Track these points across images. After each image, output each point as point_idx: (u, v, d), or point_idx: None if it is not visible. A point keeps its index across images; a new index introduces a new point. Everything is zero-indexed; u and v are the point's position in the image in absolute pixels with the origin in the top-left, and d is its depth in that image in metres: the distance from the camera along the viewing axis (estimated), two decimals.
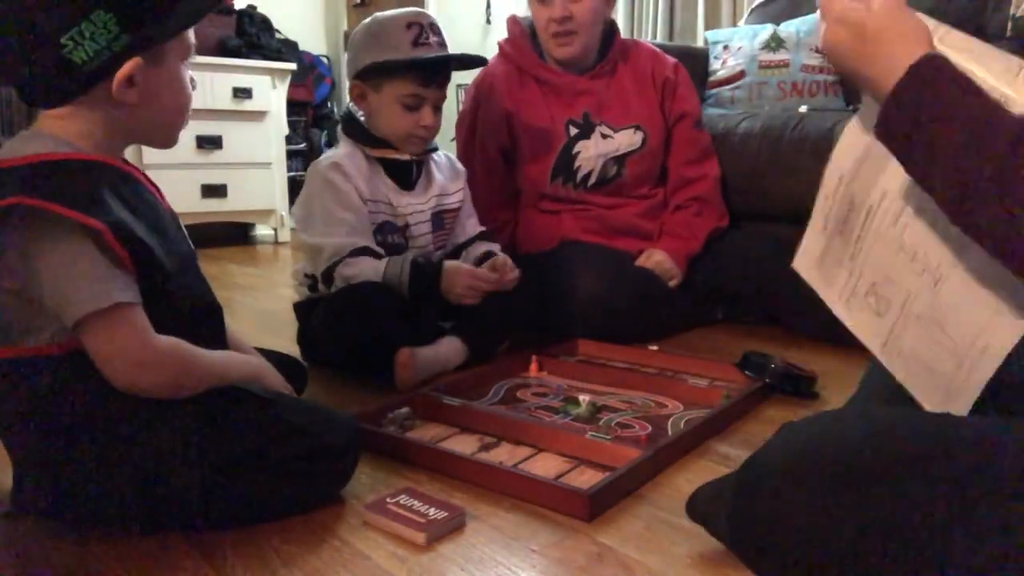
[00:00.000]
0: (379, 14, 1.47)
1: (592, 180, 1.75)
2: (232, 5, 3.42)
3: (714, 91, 2.51)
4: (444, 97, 1.48)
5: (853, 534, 0.61)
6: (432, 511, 0.86)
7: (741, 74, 2.47)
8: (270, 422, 0.85)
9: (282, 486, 0.86)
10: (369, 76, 1.43)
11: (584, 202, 1.77)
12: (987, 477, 0.59)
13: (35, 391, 0.80)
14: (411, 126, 1.45)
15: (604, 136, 1.75)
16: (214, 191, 3.18)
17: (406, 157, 1.49)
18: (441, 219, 1.56)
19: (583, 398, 1.23)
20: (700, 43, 3.05)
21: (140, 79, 0.80)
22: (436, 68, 1.44)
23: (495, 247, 1.60)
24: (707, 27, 3.28)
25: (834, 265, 0.86)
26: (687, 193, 1.81)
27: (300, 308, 1.52)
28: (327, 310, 1.39)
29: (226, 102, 3.16)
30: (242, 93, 3.18)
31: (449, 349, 1.41)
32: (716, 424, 1.13)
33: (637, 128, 1.77)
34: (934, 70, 0.65)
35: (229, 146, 3.18)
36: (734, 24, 3.13)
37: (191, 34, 0.88)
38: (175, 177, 3.05)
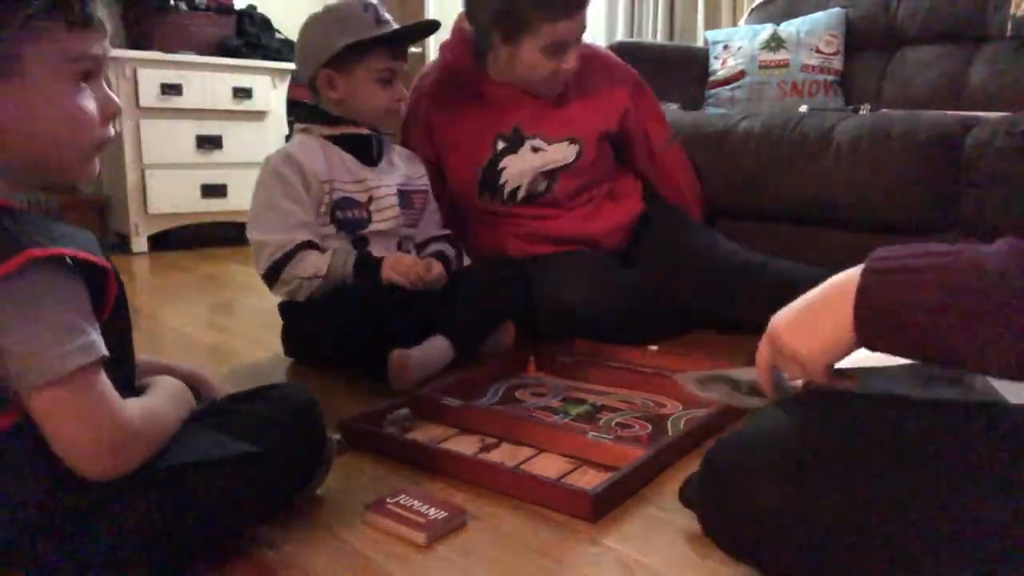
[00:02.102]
0: (329, 3, 1.53)
1: (521, 195, 1.69)
2: (232, 5, 3.42)
3: (714, 91, 2.51)
4: (407, 70, 1.55)
5: (813, 517, 0.62)
6: (432, 511, 0.86)
7: (741, 74, 2.47)
8: (231, 474, 0.74)
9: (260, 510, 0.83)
10: (341, 60, 1.46)
11: (517, 215, 1.72)
12: (948, 461, 0.60)
13: None
14: (388, 101, 1.50)
15: (535, 150, 1.68)
16: (214, 191, 3.17)
17: (365, 131, 1.53)
18: (409, 198, 1.58)
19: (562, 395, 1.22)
20: (700, 43, 3.05)
21: None
22: (403, 40, 1.51)
23: (448, 249, 1.62)
24: (707, 27, 3.28)
25: None
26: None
27: (285, 308, 1.53)
28: (322, 311, 1.40)
29: (226, 102, 3.16)
30: (242, 93, 3.18)
31: (438, 348, 1.40)
32: (717, 424, 1.13)
33: (572, 140, 1.69)
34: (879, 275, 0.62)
35: (229, 146, 3.18)
36: (734, 24, 3.13)
37: (81, 40, 0.66)
38: (175, 177, 3.06)
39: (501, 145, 1.67)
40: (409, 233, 1.59)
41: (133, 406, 0.67)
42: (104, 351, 0.64)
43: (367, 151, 1.54)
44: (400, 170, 1.60)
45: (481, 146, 1.68)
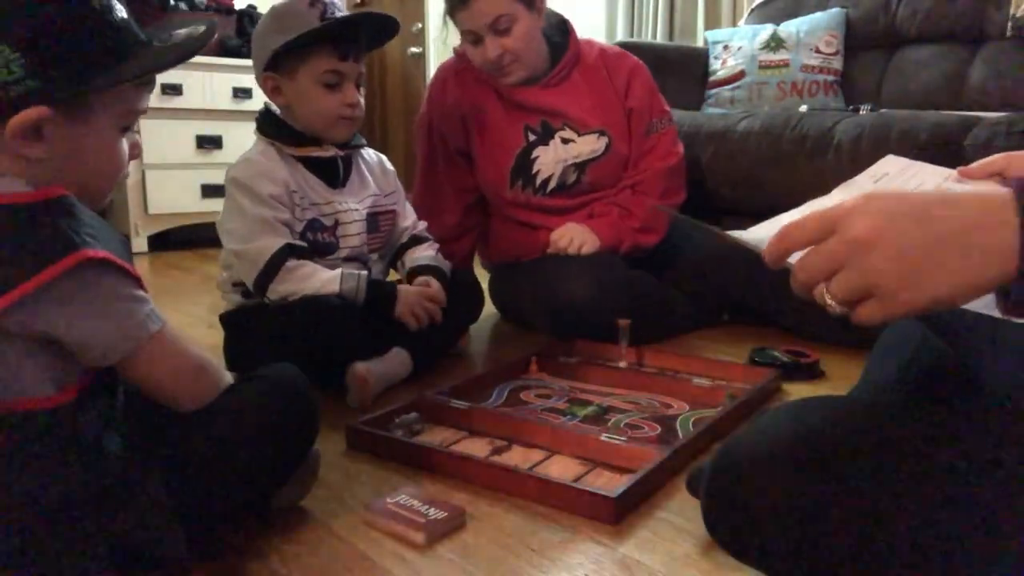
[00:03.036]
0: (278, 2, 1.36)
1: (552, 185, 1.71)
2: (232, 5, 3.42)
3: (714, 91, 2.51)
4: (363, 73, 1.38)
5: (820, 517, 0.62)
6: (432, 511, 0.86)
7: (741, 74, 2.47)
8: (237, 447, 0.79)
9: (272, 478, 0.85)
10: (281, 63, 1.32)
11: (545, 207, 1.73)
12: (945, 460, 0.60)
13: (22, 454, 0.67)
14: (336, 106, 1.34)
15: (565, 141, 1.70)
16: (214, 191, 3.17)
17: (330, 153, 1.39)
18: (376, 221, 1.46)
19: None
20: (700, 43, 3.05)
21: (51, 134, 0.69)
22: (349, 35, 1.33)
23: (430, 258, 1.52)
24: (707, 27, 3.28)
25: None
26: (627, 181, 1.77)
27: (229, 318, 1.39)
28: (274, 321, 1.28)
29: (226, 102, 3.17)
30: (242, 93, 3.19)
31: (397, 361, 1.36)
32: (728, 423, 1.13)
33: (601, 133, 1.72)
34: None
35: (229, 146, 3.18)
36: (734, 24, 3.13)
37: (139, 97, 0.77)
38: (175, 177, 3.06)
39: (532, 136, 1.69)
40: (374, 258, 1.48)
41: (193, 346, 0.78)
42: (164, 317, 0.74)
43: (332, 175, 1.40)
44: (369, 188, 1.46)
45: (512, 135, 1.69)
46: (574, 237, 1.66)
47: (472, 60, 1.67)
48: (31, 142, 0.68)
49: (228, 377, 0.83)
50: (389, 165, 1.55)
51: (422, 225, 1.58)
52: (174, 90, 3.01)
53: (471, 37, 1.62)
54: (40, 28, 0.67)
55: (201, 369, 0.78)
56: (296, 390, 0.87)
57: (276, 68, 1.33)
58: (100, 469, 0.70)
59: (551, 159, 1.69)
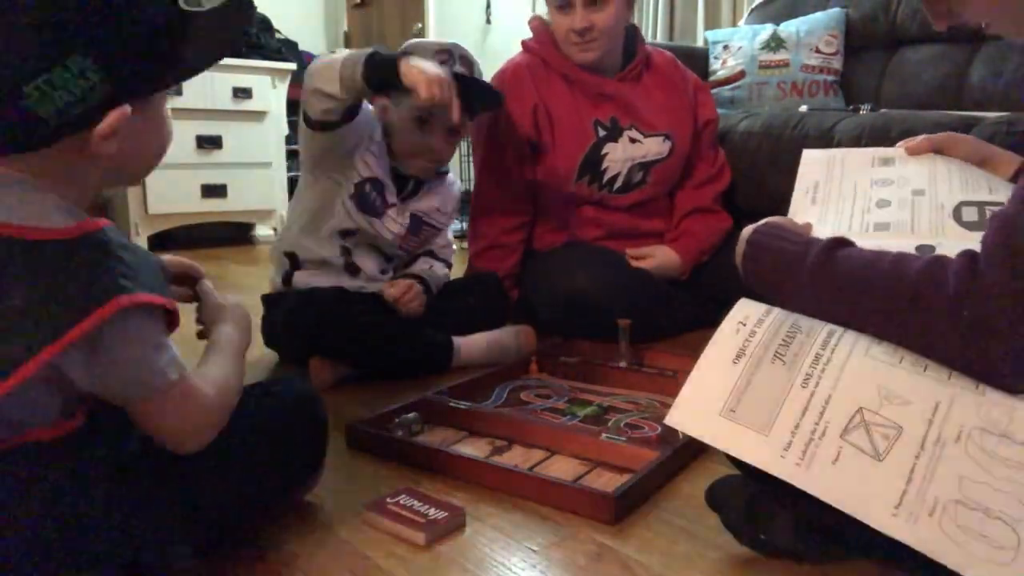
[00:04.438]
0: (415, 40, 1.49)
1: (618, 184, 1.73)
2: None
3: (714, 91, 2.51)
4: (458, 129, 1.48)
5: None
6: (432, 511, 0.86)
7: (741, 74, 2.47)
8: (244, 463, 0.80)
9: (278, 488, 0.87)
10: (391, 88, 1.39)
11: (606, 205, 1.75)
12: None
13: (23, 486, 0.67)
14: (420, 145, 1.48)
15: (633, 140, 1.72)
16: (214, 191, 3.18)
17: (409, 174, 1.52)
18: (420, 225, 1.57)
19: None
20: (700, 43, 3.05)
21: (123, 129, 0.69)
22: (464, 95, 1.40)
23: (425, 270, 1.60)
24: (707, 27, 3.28)
25: (766, 404, 0.63)
26: (693, 203, 1.82)
27: (268, 300, 1.54)
28: (288, 309, 1.41)
29: (226, 102, 3.16)
30: (242, 93, 3.18)
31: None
32: None
33: (666, 137, 1.75)
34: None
35: (229, 146, 3.18)
36: (734, 24, 3.13)
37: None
38: (175, 177, 3.06)
39: (602, 132, 1.71)
40: (402, 256, 1.61)
41: (209, 385, 0.75)
42: (184, 366, 0.72)
43: (402, 184, 1.54)
44: (426, 204, 1.57)
45: (584, 130, 1.71)
46: (656, 257, 1.72)
47: (556, 29, 1.70)
48: (107, 142, 0.68)
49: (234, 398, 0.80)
50: (456, 191, 1.66)
51: (449, 250, 1.68)
52: (174, 90, 3.01)
53: (562, 2, 1.64)
54: (109, 30, 0.65)
55: (209, 413, 0.75)
56: (304, 407, 0.89)
57: (387, 91, 1.43)
58: (109, 488, 0.70)
59: (620, 157, 1.72)
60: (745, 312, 0.73)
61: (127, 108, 0.67)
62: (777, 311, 0.73)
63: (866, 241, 0.72)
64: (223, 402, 0.76)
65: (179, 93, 3.02)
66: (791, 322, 0.70)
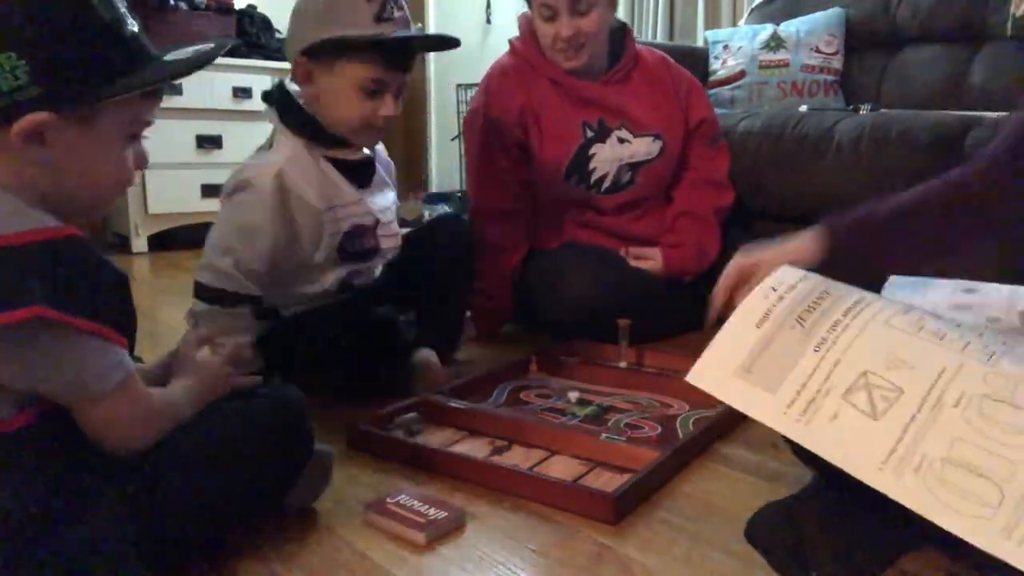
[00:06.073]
0: None
1: (606, 184, 1.73)
2: (232, 5, 3.42)
3: (714, 91, 2.51)
4: (407, 83, 1.28)
5: None
6: (432, 511, 0.86)
7: (741, 74, 2.47)
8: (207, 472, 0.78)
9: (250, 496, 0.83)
10: (321, 54, 1.21)
11: (595, 205, 1.74)
12: None
13: None
14: (369, 115, 1.24)
15: (621, 141, 1.72)
16: (214, 191, 3.17)
17: (360, 157, 1.31)
18: (398, 214, 1.43)
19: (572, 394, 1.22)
20: (700, 43, 3.05)
21: (54, 138, 0.69)
22: (403, 49, 1.24)
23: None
24: (707, 27, 3.28)
25: (778, 365, 0.65)
26: (688, 205, 1.79)
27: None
28: (294, 327, 1.29)
29: (226, 102, 3.16)
30: (242, 93, 3.18)
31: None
32: (727, 424, 1.13)
33: (656, 137, 1.73)
34: None
35: (229, 146, 3.18)
36: (734, 24, 3.13)
37: (147, 108, 0.77)
38: (175, 177, 3.06)
39: (589, 133, 1.71)
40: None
41: (156, 395, 0.77)
42: (131, 366, 0.73)
43: (361, 174, 1.32)
44: (388, 185, 1.40)
45: (571, 130, 1.70)
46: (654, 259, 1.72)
47: (541, 37, 1.69)
48: (33, 145, 0.69)
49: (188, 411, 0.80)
50: (383, 151, 1.44)
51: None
52: (174, 89, 3.00)
53: (547, 12, 1.63)
54: (48, 37, 0.67)
55: (155, 418, 0.75)
56: (281, 413, 0.85)
57: (313, 54, 1.21)
58: (57, 489, 0.69)
59: (608, 157, 1.71)
60: (780, 278, 0.72)
61: (45, 114, 0.68)
62: (813, 277, 0.71)
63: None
64: (163, 415, 0.76)
65: (179, 92, 3.02)
66: (822, 288, 0.69)
